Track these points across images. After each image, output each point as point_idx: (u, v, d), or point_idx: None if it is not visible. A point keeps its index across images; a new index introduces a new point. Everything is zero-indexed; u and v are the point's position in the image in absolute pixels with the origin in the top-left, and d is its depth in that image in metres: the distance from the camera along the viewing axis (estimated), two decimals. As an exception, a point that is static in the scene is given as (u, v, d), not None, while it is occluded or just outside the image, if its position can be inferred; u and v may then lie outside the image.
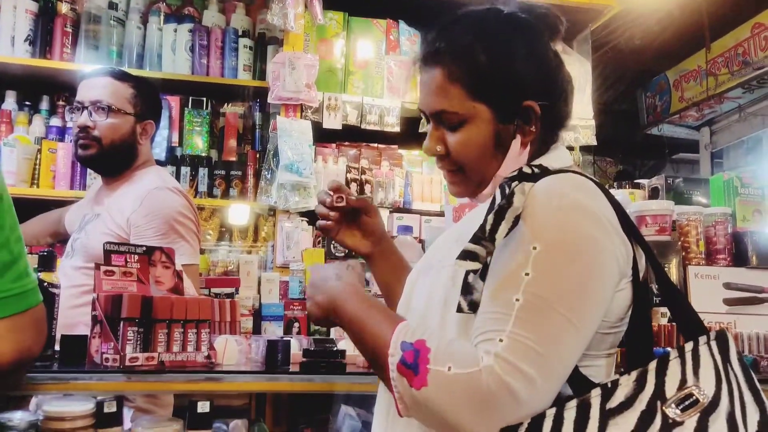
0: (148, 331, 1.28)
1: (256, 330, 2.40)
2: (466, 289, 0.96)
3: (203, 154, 3.01)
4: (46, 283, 1.35)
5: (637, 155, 5.87)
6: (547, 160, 1.02)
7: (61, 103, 2.98)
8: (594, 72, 3.48)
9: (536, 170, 0.97)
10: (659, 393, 0.86)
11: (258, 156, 3.03)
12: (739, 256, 1.97)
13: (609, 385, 0.87)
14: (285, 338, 1.60)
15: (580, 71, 3.33)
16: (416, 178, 3.19)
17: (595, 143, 3.35)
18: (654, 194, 2.29)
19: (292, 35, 2.90)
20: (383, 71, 3.12)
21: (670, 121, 5.08)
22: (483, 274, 0.94)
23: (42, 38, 2.86)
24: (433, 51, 1.05)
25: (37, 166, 2.79)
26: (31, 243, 2.25)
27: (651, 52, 4.38)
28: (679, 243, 1.97)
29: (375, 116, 3.05)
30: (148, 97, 2.08)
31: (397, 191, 3.14)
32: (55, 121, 2.92)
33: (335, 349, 1.46)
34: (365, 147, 3.22)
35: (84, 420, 1.26)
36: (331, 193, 1.24)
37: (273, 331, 2.39)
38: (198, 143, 3.02)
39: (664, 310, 1.86)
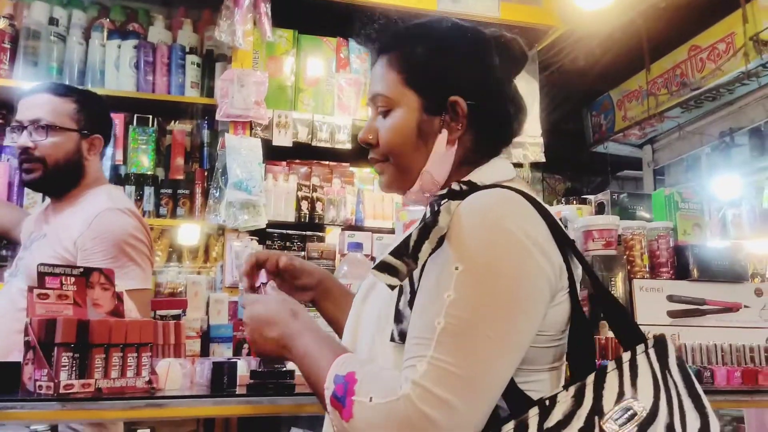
0: (84, 356, 1.22)
1: (205, 352, 2.32)
2: (397, 317, 0.96)
3: (149, 173, 2.94)
4: (-26, 308, 1.28)
5: (584, 172, 6.03)
6: (480, 173, 1.02)
7: (-2, 121, 2.87)
8: (542, 92, 3.57)
9: (464, 187, 0.96)
10: (597, 408, 0.86)
11: (206, 174, 2.98)
12: (680, 269, 2.02)
13: (547, 402, 0.86)
14: (231, 360, 1.56)
15: (527, 90, 3.40)
16: (368, 196, 3.18)
17: (543, 160, 3.42)
18: (600, 209, 2.34)
19: (241, 52, 2.87)
20: (333, 89, 3.12)
21: (614, 140, 5.24)
22: (412, 301, 0.93)
23: (-23, 54, 2.75)
24: (383, 45, 1.10)
25: (-29, 186, 2.68)
26: None
27: (595, 72, 4.52)
28: (625, 257, 2.00)
29: (326, 134, 3.04)
30: (93, 110, 1.97)
31: (349, 209, 3.13)
32: (-8, 140, 2.81)
33: (284, 369, 1.42)
34: (316, 164, 3.20)
35: (15, 452, 1.19)
36: (246, 280, 1.22)
37: (222, 352, 2.32)
38: (143, 161, 2.95)
39: (612, 323, 1.89)
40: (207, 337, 2.37)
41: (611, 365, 0.89)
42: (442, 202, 0.92)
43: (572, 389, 0.86)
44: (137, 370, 1.25)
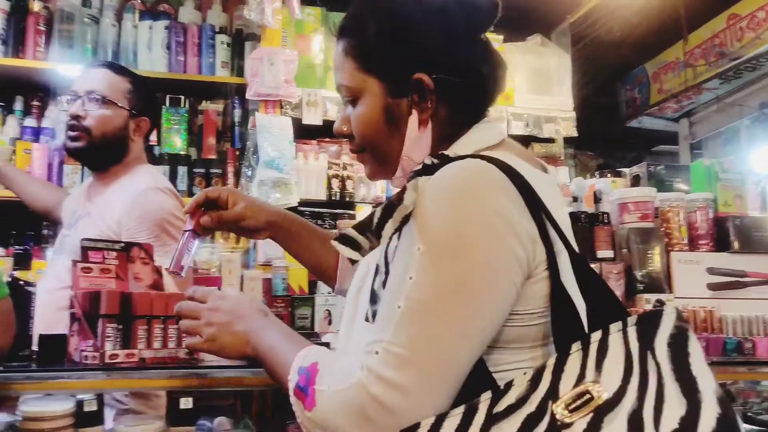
0: (128, 328, 1.25)
1: (240, 328, 2.37)
2: (372, 297, 0.93)
3: (182, 153, 2.97)
4: (22, 282, 1.31)
5: (617, 148, 5.92)
6: (459, 144, 0.96)
7: (35, 103, 2.92)
8: (574, 65, 3.50)
9: (435, 161, 0.89)
10: (553, 392, 0.79)
11: (238, 153, 3.00)
12: (721, 241, 1.98)
13: (503, 386, 0.80)
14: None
15: (559, 63, 3.35)
16: (398, 173, 3.17)
17: (576, 134, 3.37)
18: (635, 182, 2.30)
19: (270, 31, 2.87)
20: (363, 66, 3.10)
21: (649, 114, 5.13)
22: (386, 282, 0.90)
23: (14, 37, 2.80)
24: (339, 28, 1.03)
25: (11, 168, 2.73)
26: (31, 203, 2.19)
27: (629, 44, 4.42)
28: (662, 229, 1.97)
29: (356, 111, 3.03)
30: (144, 93, 2.03)
31: (379, 186, 3.13)
32: (30, 122, 2.87)
33: (320, 342, 1.44)
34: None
35: (64, 420, 1.23)
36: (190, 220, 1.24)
37: (257, 328, 2.36)
38: (176, 141, 2.98)
39: (648, 295, 1.86)
40: (242, 313, 2.42)
41: (576, 346, 0.81)
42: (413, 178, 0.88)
43: (531, 372, 0.80)
44: (178, 341, 1.28)
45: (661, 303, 1.85)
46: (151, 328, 1.26)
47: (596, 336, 0.81)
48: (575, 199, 2.01)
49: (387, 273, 0.90)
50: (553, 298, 0.86)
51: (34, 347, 1.34)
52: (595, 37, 4.14)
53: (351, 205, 3.09)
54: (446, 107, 0.97)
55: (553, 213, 0.88)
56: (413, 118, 0.96)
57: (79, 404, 1.26)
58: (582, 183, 2.03)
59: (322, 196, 3.03)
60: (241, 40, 3.08)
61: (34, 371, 1.24)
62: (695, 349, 0.81)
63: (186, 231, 1.23)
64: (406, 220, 0.86)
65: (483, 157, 0.87)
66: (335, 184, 3.06)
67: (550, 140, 3.41)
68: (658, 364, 0.79)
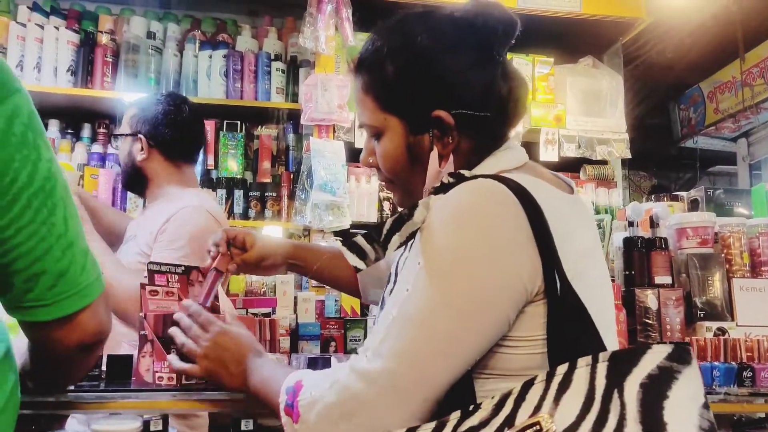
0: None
1: (294, 349, 2.40)
2: (382, 305, 0.97)
3: (238, 177, 3.06)
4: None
5: (671, 169, 5.79)
6: (481, 168, 0.96)
7: (101, 130, 3.07)
8: (626, 86, 3.46)
9: (451, 180, 0.91)
10: (510, 419, 0.79)
11: (292, 177, 3.07)
12: (785, 268, 1.92)
13: (471, 408, 0.81)
14: (324, 356, 1.61)
15: (611, 85, 3.32)
16: (449, 196, 3.19)
17: (629, 156, 3.32)
18: (693, 206, 2.25)
19: (324, 57, 2.94)
20: (414, 90, 3.14)
21: (705, 134, 5.01)
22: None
23: (83, 68, 2.95)
24: (357, 62, 1.04)
25: (79, 192, 2.87)
26: (109, 229, 2.18)
27: (683, 64, 4.34)
28: (722, 255, 1.93)
29: (407, 135, 3.07)
30: (146, 113, 2.03)
31: (430, 209, 3.14)
32: (96, 148, 3.01)
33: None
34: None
35: (132, 438, 1.27)
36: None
37: (310, 350, 2.40)
38: (233, 166, 3.07)
39: (709, 323, 1.82)
40: (296, 335, 2.46)
41: (540, 376, 0.80)
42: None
43: (497, 397, 0.81)
44: (241, 363, 1.31)
45: (722, 331, 1.80)
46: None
47: (562, 369, 0.80)
48: (631, 224, 1.98)
49: (395, 283, 0.93)
50: (549, 327, 0.85)
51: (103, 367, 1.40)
52: (647, 58, 4.09)
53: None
54: (468, 138, 0.97)
55: (571, 237, 0.88)
56: (434, 154, 0.97)
57: (146, 423, 1.30)
58: (638, 207, 2.00)
59: (374, 218, 3.06)
60: (295, 66, 3.17)
61: (103, 391, 1.29)
62: (681, 394, 0.76)
63: (212, 270, 1.31)
64: (413, 235, 0.88)
65: (497, 178, 0.88)
66: (386, 206, 3.10)
67: (603, 162, 3.37)
68: (623, 404, 0.76)
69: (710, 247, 1.92)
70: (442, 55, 0.96)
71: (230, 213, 2.98)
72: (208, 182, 2.99)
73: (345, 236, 0.96)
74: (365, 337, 2.32)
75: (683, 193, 2.37)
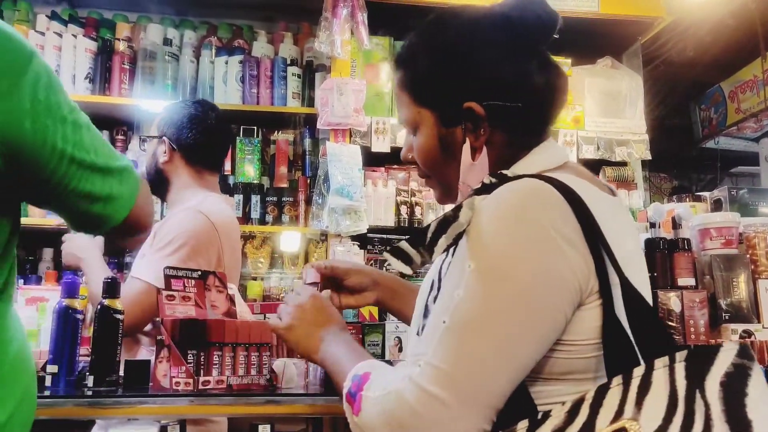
0: (217, 355, 1.29)
1: (312, 354, 2.40)
2: (425, 312, 0.94)
3: (255, 182, 3.06)
4: (111, 310, 1.38)
5: (692, 170, 5.71)
6: (520, 166, 0.95)
7: (119, 136, 3.09)
8: (646, 87, 3.42)
9: (494, 180, 0.90)
10: (589, 426, 0.76)
11: (309, 182, 3.07)
12: (812, 269, 1.87)
13: (540, 416, 0.79)
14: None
15: (630, 85, 3.28)
16: (466, 199, 3.16)
17: (649, 158, 3.27)
18: (717, 206, 2.21)
19: (339, 61, 2.94)
20: (430, 93, 3.13)
21: (726, 134, 4.94)
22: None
23: (101, 75, 2.98)
24: (395, 61, 1.06)
25: (98, 199, 2.89)
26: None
27: (704, 63, 4.28)
28: (747, 256, 1.88)
29: (423, 138, 3.05)
30: (169, 116, 2.05)
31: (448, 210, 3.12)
32: (115, 155, 3.02)
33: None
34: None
35: (149, 444, 1.27)
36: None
37: (328, 355, 2.39)
38: (249, 171, 3.08)
39: (735, 326, 1.78)
40: (313, 340, 2.45)
41: (616, 380, 0.78)
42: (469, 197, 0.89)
43: (569, 404, 0.78)
44: (259, 368, 1.31)
45: (748, 334, 1.76)
46: (236, 356, 1.30)
47: (639, 371, 0.78)
48: (653, 225, 1.94)
49: (440, 288, 0.91)
50: (605, 329, 0.83)
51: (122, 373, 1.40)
52: (666, 58, 4.03)
53: (419, 231, 3.09)
54: (502, 131, 0.97)
55: (616, 239, 0.86)
56: (466, 146, 0.97)
57: (163, 429, 1.30)
58: (660, 208, 1.97)
59: (391, 222, 3.05)
60: (311, 71, 3.17)
61: (121, 396, 1.29)
62: (757, 391, 0.75)
63: (307, 284, 1.30)
64: (459, 237, 0.86)
65: (542, 177, 0.87)
66: (404, 210, 3.08)
67: (623, 163, 3.33)
68: (707, 405, 0.74)
69: (735, 248, 1.88)
70: (472, 47, 0.97)
71: (247, 218, 2.98)
72: (225, 188, 2.99)
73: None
74: (383, 342, 2.30)
75: (706, 194, 2.33)
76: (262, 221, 3.01)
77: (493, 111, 0.95)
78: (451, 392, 0.79)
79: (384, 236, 3.01)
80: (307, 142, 3.17)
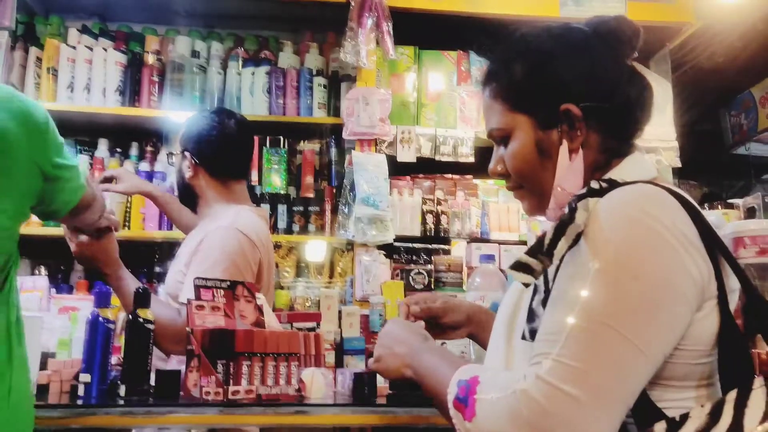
0: (247, 365, 1.30)
1: (339, 364, 2.39)
2: (530, 316, 0.95)
3: (282, 192, 3.08)
4: (141, 319, 1.39)
5: (722, 176, 5.60)
6: (619, 172, 0.97)
7: (149, 148, 3.13)
8: (674, 92, 3.37)
9: (604, 185, 0.92)
10: (737, 426, 0.77)
11: (335, 191, 3.08)
12: None
13: (677, 418, 0.79)
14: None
15: (658, 92, 3.21)
16: (492, 208, 3.15)
17: (679, 165, 3.22)
18: (750, 214, 2.17)
19: (365, 71, 2.95)
20: (455, 102, 3.12)
21: (758, 140, 4.83)
22: (546, 300, 0.91)
23: (131, 88, 3.02)
24: (483, 74, 1.09)
25: (128, 209, 2.94)
26: (185, 230, 2.24)
27: (734, 69, 4.20)
28: (784, 265, 1.84)
29: (449, 147, 3.05)
30: (191, 131, 2.06)
31: (474, 221, 3.11)
32: (144, 166, 3.07)
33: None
34: (440, 178, 3.21)
35: (181, 453, 1.28)
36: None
37: (355, 364, 2.38)
38: (276, 181, 3.10)
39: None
40: (340, 349, 2.44)
41: (758, 382, 0.80)
42: (580, 200, 0.89)
43: (708, 405, 0.79)
44: (287, 378, 1.31)
45: (786, 345, 1.71)
46: (265, 365, 1.30)
47: None
48: (684, 234, 1.91)
49: (546, 292, 0.92)
50: (722, 335, 0.85)
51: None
52: (695, 63, 3.97)
53: (446, 240, 3.08)
54: (597, 133, 1.00)
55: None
56: (563, 148, 0.99)
57: (194, 438, 1.31)
58: (691, 216, 1.94)
59: (417, 231, 3.04)
60: (337, 81, 3.18)
61: (152, 405, 1.30)
62: None
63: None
64: (578, 238, 0.87)
65: (655, 184, 0.90)
66: (429, 219, 3.07)
67: (652, 171, 3.28)
68: None
69: (770, 257, 1.84)
70: (568, 54, 1.01)
71: (274, 228, 3.00)
72: (252, 198, 3.00)
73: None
74: (410, 351, 2.29)
75: (738, 201, 2.28)
76: (289, 231, 3.02)
77: (589, 112, 0.98)
78: (585, 390, 0.78)
79: (410, 245, 3.01)
80: (333, 151, 3.18)
